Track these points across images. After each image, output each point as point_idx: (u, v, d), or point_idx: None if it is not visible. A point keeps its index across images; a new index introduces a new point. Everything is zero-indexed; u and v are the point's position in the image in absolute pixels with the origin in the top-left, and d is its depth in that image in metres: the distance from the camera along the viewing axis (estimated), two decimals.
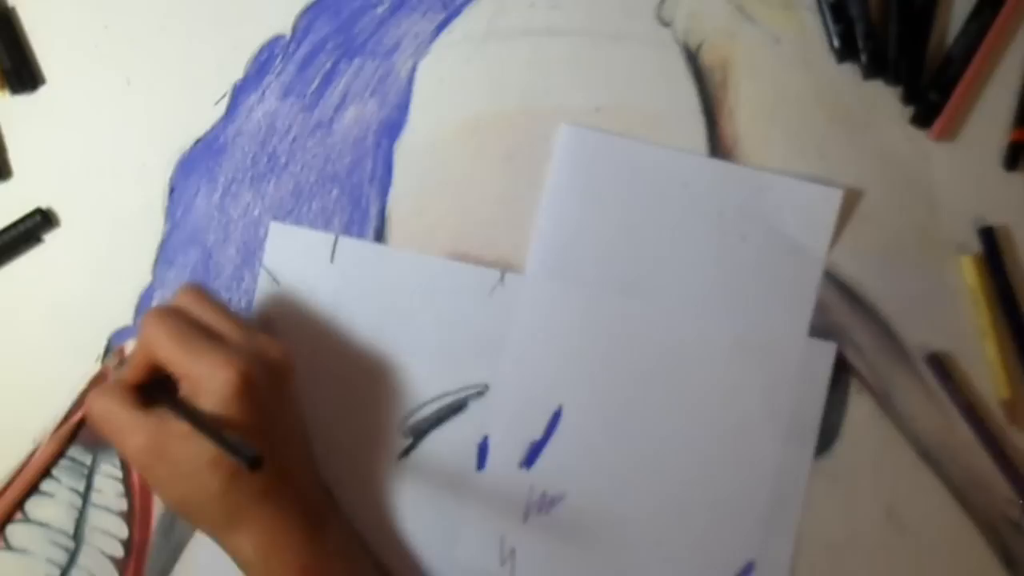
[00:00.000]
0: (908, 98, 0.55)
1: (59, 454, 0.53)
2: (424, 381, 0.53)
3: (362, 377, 0.53)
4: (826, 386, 0.53)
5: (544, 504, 0.53)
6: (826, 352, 0.53)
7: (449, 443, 0.53)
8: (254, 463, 0.41)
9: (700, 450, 0.53)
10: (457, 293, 0.53)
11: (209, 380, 0.45)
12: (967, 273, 0.53)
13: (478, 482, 0.53)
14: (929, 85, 0.55)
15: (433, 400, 0.53)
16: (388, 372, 0.53)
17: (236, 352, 0.45)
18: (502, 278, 0.53)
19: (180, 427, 0.44)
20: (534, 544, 0.52)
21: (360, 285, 0.54)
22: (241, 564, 0.47)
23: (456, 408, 0.53)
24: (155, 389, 0.47)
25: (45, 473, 0.53)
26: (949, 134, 0.54)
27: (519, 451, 0.53)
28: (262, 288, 0.54)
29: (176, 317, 0.47)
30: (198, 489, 0.45)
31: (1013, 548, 0.52)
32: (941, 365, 0.53)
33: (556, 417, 0.53)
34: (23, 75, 0.55)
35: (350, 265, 0.54)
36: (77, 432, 0.54)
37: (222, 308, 0.49)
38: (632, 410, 0.53)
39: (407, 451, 0.53)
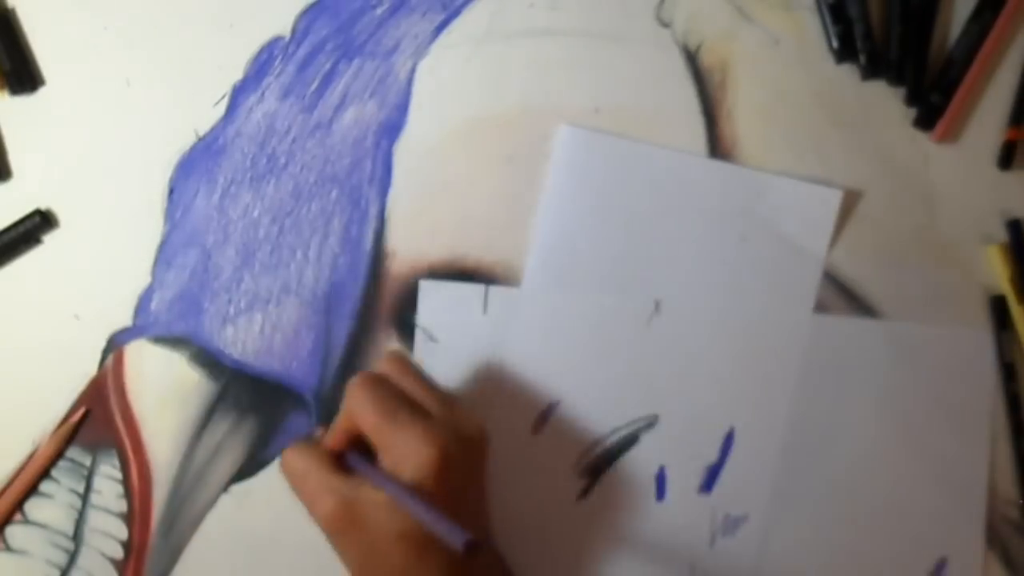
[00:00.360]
0: (911, 99, 0.55)
1: (58, 455, 0.53)
2: (593, 419, 0.53)
3: (531, 424, 0.53)
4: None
5: (728, 526, 0.52)
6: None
7: (626, 478, 0.53)
8: (469, 549, 0.40)
9: (871, 454, 0.52)
10: (614, 326, 0.53)
11: (411, 454, 0.44)
12: (995, 262, 0.53)
13: (660, 513, 0.53)
14: (931, 87, 0.55)
15: (605, 437, 0.53)
16: (557, 416, 0.53)
17: (438, 427, 0.45)
18: (657, 308, 0.53)
19: (376, 496, 0.44)
20: (724, 568, 0.52)
21: (515, 332, 0.53)
22: None
23: (629, 442, 0.53)
24: (354, 457, 0.47)
25: (44, 474, 0.53)
26: (951, 136, 0.54)
27: (697, 477, 0.53)
28: (419, 348, 0.54)
29: (382, 387, 0.47)
30: (382, 559, 0.44)
31: (1012, 549, 0.52)
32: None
33: (729, 439, 0.53)
34: (23, 76, 0.55)
35: (502, 312, 0.53)
36: (76, 433, 0.54)
37: (423, 378, 0.49)
38: (798, 424, 0.53)
39: (585, 492, 0.53)
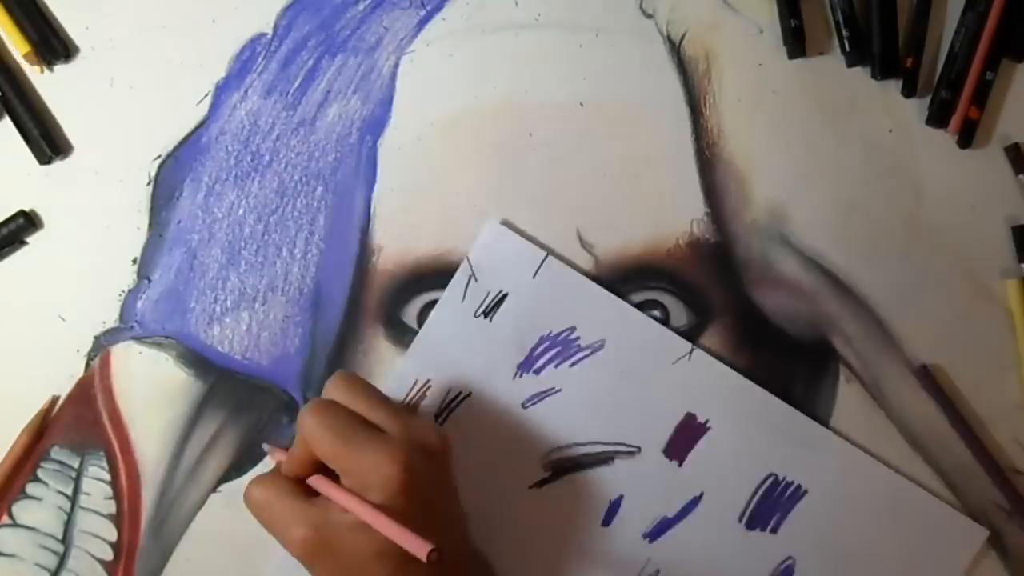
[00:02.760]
0: (909, 91, 0.55)
1: (34, 445, 0.53)
2: (582, 424, 0.53)
3: (516, 406, 0.53)
4: None
5: None
6: None
7: (584, 490, 0.53)
8: (433, 555, 0.41)
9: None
10: (642, 350, 0.53)
11: (373, 475, 0.44)
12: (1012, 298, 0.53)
13: (599, 536, 0.53)
14: (938, 83, 0.54)
15: (584, 444, 0.53)
16: (549, 402, 0.53)
17: (397, 444, 0.45)
18: (690, 354, 0.53)
19: (346, 518, 0.44)
20: None
21: (553, 307, 0.53)
22: None
23: (603, 460, 0.53)
24: (316, 481, 0.46)
25: (23, 468, 0.53)
26: (964, 128, 0.54)
27: (648, 522, 0.53)
28: (458, 280, 0.53)
29: (333, 411, 0.46)
30: None
31: (1005, 534, 0.52)
32: (930, 377, 0.53)
33: (694, 503, 0.53)
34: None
35: (550, 286, 0.53)
36: (46, 421, 0.53)
37: (376, 395, 0.48)
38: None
39: (540, 484, 0.53)
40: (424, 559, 0.41)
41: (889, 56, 0.54)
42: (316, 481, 0.46)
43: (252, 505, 0.47)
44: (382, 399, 0.48)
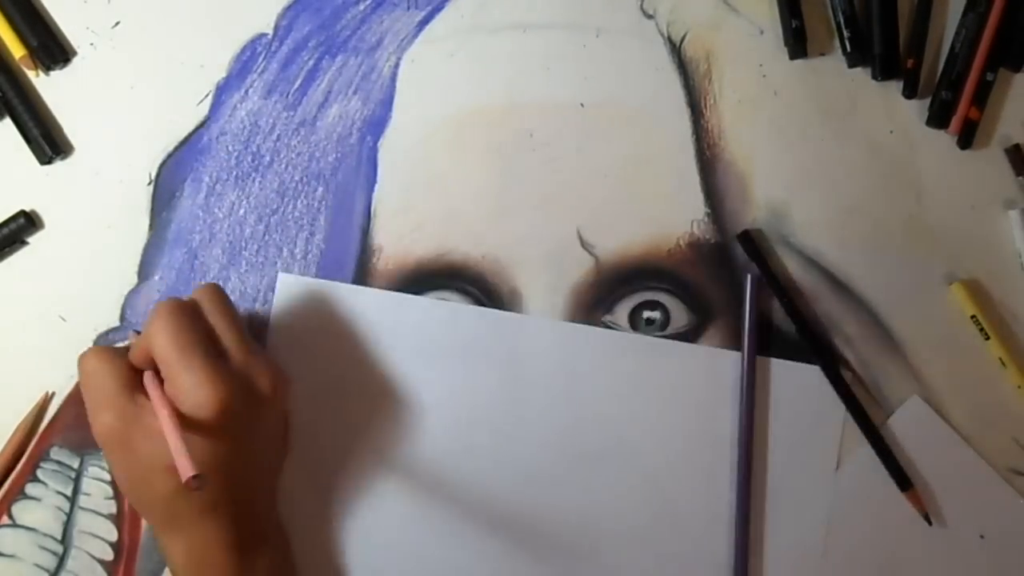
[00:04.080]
0: (910, 92, 0.55)
1: (27, 443, 0.53)
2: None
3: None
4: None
5: None
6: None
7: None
8: (193, 483, 0.41)
9: None
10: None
11: (189, 394, 0.45)
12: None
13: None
14: (939, 84, 0.54)
15: None
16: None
17: (225, 375, 0.45)
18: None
19: (152, 424, 0.45)
20: None
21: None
22: (170, 566, 0.48)
23: None
24: (149, 378, 0.47)
25: (19, 464, 0.53)
26: (964, 129, 0.54)
27: None
28: None
29: (185, 318, 0.47)
30: (148, 487, 0.46)
31: None
32: None
33: None
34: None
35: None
36: (42, 416, 0.53)
37: (234, 318, 0.49)
38: None
39: None
40: (183, 481, 0.41)
41: (890, 57, 0.54)
42: (146, 377, 0.47)
43: (81, 370, 0.48)
44: (239, 327, 0.48)
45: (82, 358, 0.48)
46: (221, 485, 0.46)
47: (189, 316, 0.47)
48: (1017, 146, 0.54)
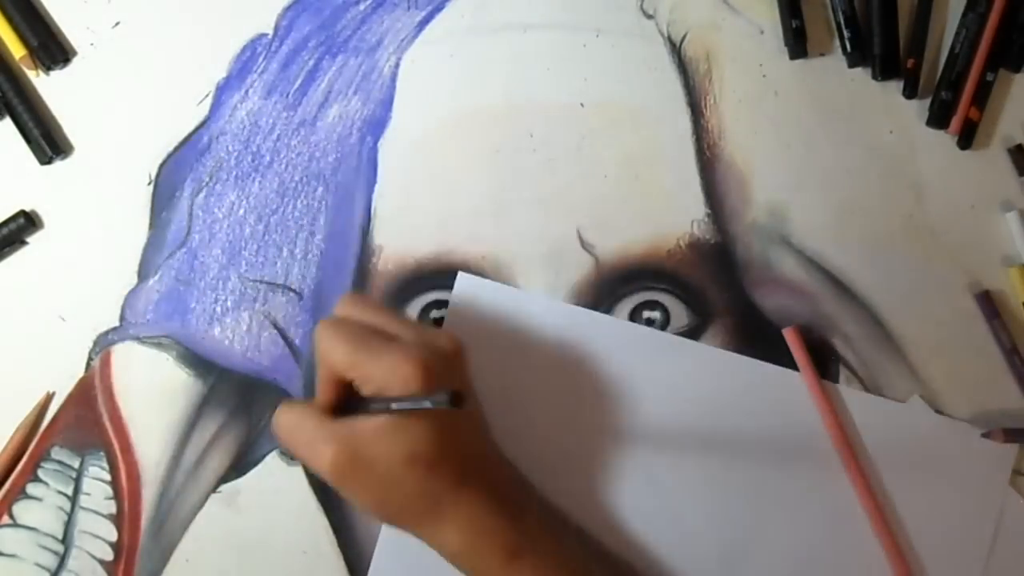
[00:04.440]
0: (910, 92, 0.55)
1: (28, 443, 0.53)
2: None
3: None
4: None
5: None
6: None
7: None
8: (455, 401, 0.40)
9: None
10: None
11: (393, 377, 0.44)
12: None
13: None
14: (939, 84, 0.54)
15: None
16: None
17: (411, 346, 0.45)
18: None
19: (372, 425, 0.44)
20: None
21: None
22: (449, 556, 0.46)
23: None
24: (345, 410, 0.47)
25: (20, 464, 0.53)
26: (964, 129, 0.54)
27: None
28: None
29: (346, 323, 0.47)
30: (396, 488, 0.45)
31: None
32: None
33: None
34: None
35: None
36: (43, 416, 0.53)
37: (384, 309, 0.49)
38: None
39: None
40: (448, 404, 0.40)
41: (890, 57, 0.54)
42: (343, 406, 0.46)
43: (279, 430, 0.47)
44: (391, 312, 0.49)
45: (276, 419, 0.47)
46: (457, 452, 0.45)
47: (347, 322, 0.47)
48: (1020, 146, 0.54)
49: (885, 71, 0.54)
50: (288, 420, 0.46)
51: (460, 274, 0.54)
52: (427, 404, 0.42)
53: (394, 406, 0.44)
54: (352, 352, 0.45)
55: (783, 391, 0.53)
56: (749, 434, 0.53)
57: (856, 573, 0.52)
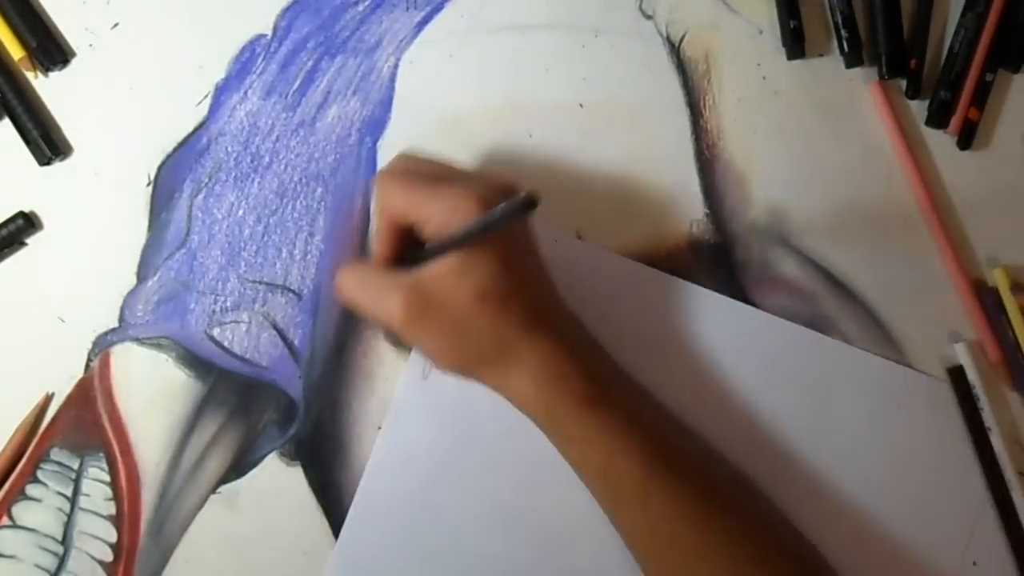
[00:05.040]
0: (913, 92, 0.55)
1: (27, 444, 0.53)
2: None
3: None
4: None
5: None
6: None
7: None
8: (530, 203, 0.40)
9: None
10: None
11: (453, 213, 0.44)
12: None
13: None
14: (938, 84, 0.54)
15: None
16: None
17: (472, 183, 0.45)
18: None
19: (438, 268, 0.44)
20: None
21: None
22: (522, 403, 0.46)
23: None
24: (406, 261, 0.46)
25: (19, 466, 0.53)
26: (965, 129, 0.54)
27: None
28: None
29: (405, 172, 0.46)
30: (468, 331, 0.44)
31: None
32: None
33: None
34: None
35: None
36: (42, 418, 0.53)
37: (438, 159, 0.49)
38: None
39: None
40: (521, 210, 0.40)
41: (895, 54, 0.54)
42: (404, 256, 0.46)
43: (344, 289, 0.47)
44: (445, 162, 0.49)
45: (339, 281, 0.47)
46: (527, 289, 0.45)
47: (407, 170, 0.47)
48: None
49: (891, 68, 0.54)
50: (351, 279, 0.46)
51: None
52: (497, 214, 0.41)
53: (462, 229, 0.42)
54: (413, 192, 0.45)
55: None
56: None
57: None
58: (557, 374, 0.45)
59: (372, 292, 0.46)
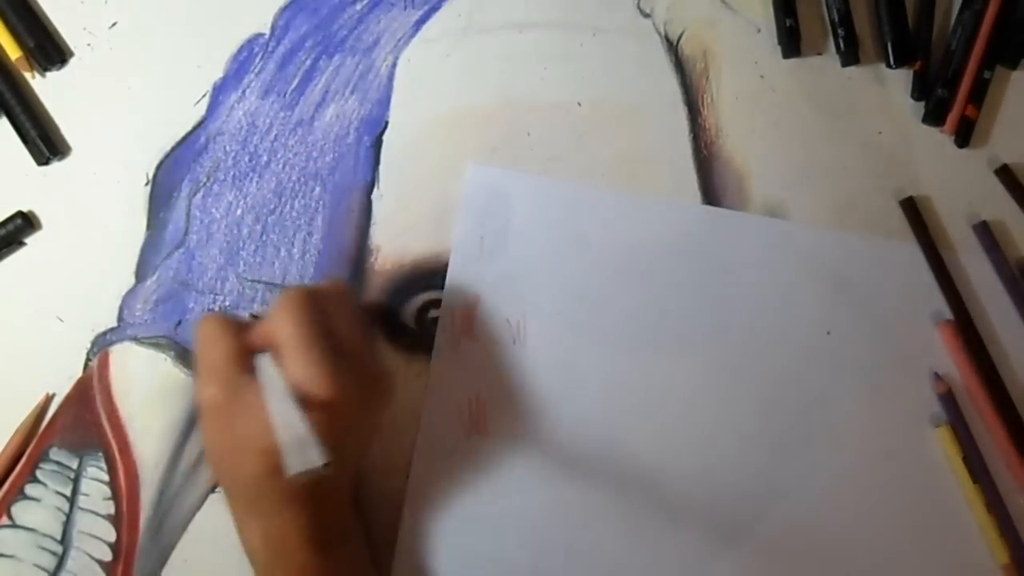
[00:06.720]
0: (919, 94, 0.55)
1: (27, 445, 0.53)
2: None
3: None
4: None
5: None
6: None
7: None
8: (325, 467, 0.41)
9: None
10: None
11: (305, 387, 0.44)
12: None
13: None
14: (935, 81, 0.54)
15: None
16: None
17: (343, 375, 0.45)
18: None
19: (254, 403, 0.44)
20: None
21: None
22: (247, 550, 0.47)
23: None
24: (262, 361, 0.46)
25: (16, 464, 0.53)
26: (961, 127, 0.54)
27: None
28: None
29: (311, 312, 0.46)
30: (237, 465, 0.45)
31: None
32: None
33: None
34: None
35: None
36: (42, 418, 0.53)
37: (356, 319, 0.49)
38: None
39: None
40: (320, 467, 0.41)
41: (901, 42, 0.54)
42: (263, 360, 0.45)
43: (200, 335, 0.47)
44: (360, 329, 0.48)
45: (202, 323, 0.47)
46: (312, 478, 0.45)
47: (315, 310, 0.46)
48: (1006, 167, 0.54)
49: (899, 57, 0.54)
50: (209, 333, 0.46)
51: (472, 166, 0.54)
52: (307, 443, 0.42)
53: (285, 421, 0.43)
54: (295, 340, 0.45)
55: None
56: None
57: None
58: (285, 548, 0.46)
59: (210, 360, 0.46)
